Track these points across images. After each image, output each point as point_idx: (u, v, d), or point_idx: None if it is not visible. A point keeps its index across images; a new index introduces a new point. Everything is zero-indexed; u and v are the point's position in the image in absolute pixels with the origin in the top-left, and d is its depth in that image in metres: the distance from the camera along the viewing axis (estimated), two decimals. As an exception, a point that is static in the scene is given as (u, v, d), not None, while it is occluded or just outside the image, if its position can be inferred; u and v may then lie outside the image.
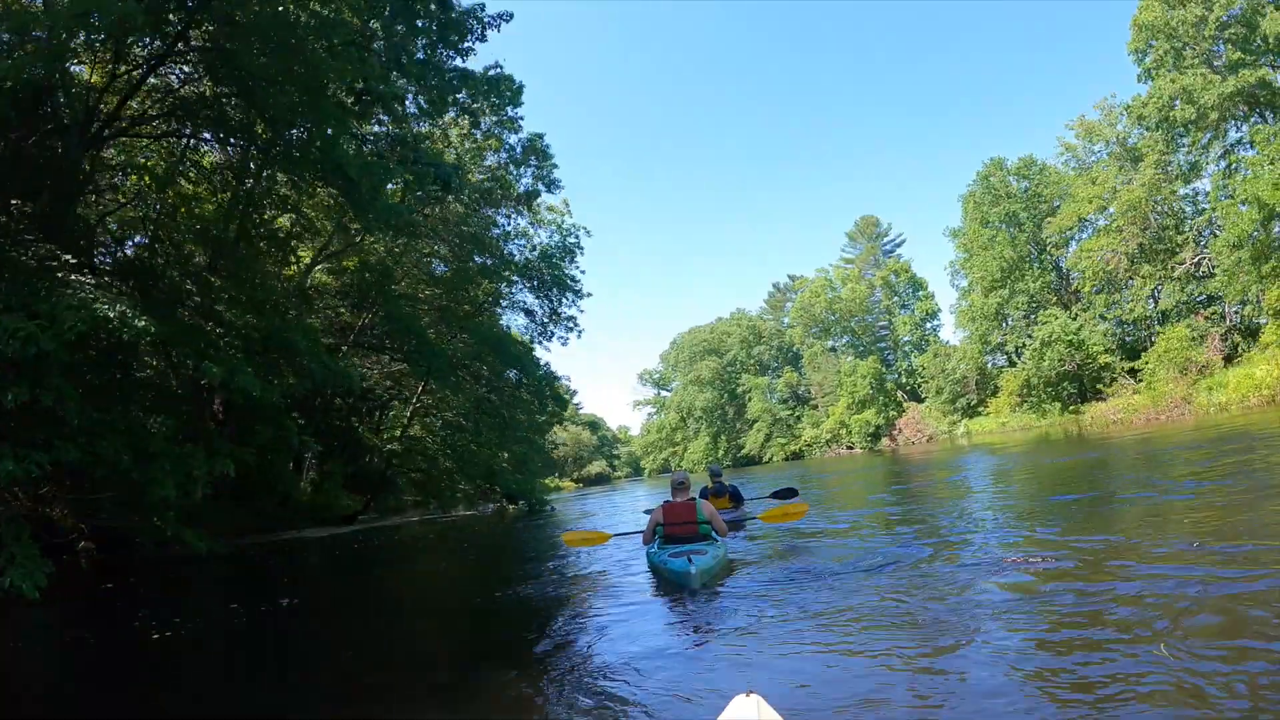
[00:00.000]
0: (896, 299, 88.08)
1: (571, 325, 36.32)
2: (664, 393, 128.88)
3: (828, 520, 11.89)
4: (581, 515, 25.71)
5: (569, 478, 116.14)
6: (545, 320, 35.97)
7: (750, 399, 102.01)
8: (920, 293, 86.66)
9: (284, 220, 24.47)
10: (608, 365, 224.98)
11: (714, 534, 8.27)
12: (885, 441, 74.60)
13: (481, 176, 30.04)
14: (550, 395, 33.14)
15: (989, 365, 68.49)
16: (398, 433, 32.79)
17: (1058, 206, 58.48)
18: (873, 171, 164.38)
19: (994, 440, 44.39)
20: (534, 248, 34.81)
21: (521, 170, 31.30)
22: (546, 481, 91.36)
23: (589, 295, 36.69)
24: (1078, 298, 57.31)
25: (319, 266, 27.31)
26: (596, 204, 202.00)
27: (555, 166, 31.86)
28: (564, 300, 35.44)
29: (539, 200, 34.15)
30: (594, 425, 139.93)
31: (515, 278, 33.44)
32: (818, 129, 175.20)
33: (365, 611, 9.03)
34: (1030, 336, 54.98)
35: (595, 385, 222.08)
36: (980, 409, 66.87)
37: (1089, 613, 4.45)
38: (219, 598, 11.54)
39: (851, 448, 77.90)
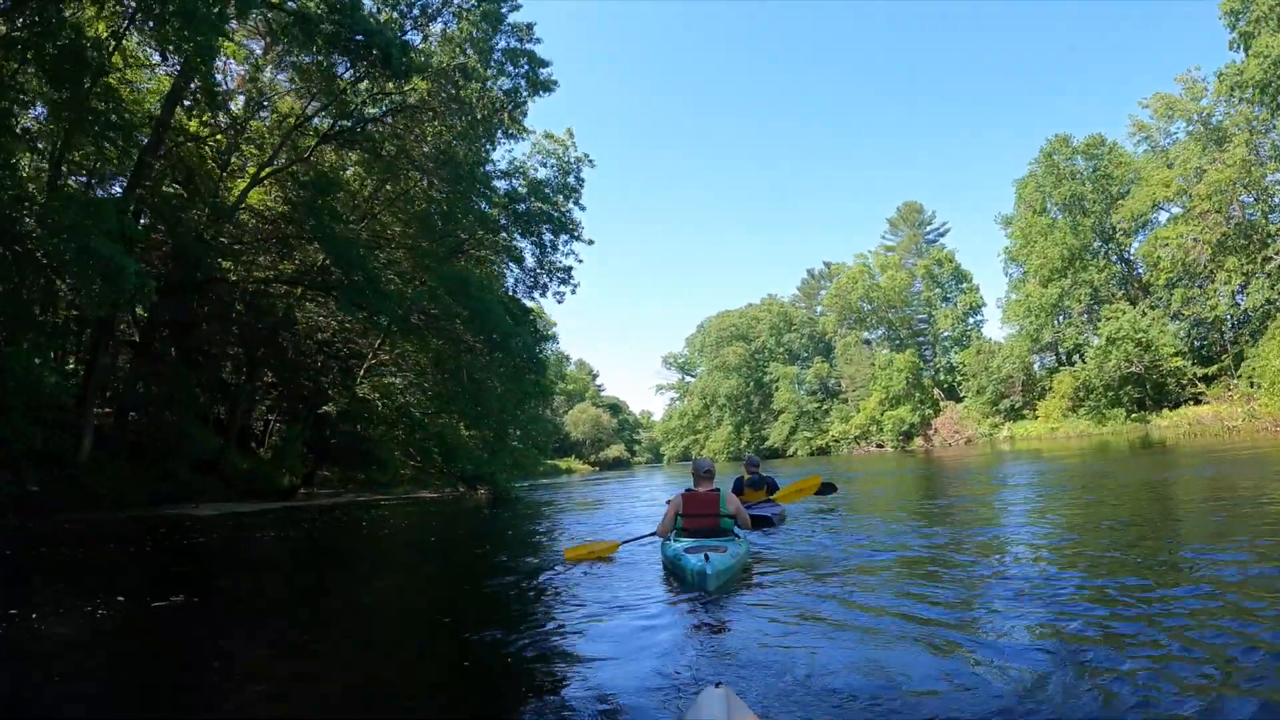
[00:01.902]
0: (938, 290, 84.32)
1: (566, 277, 31.50)
2: (688, 378, 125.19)
3: (855, 524, 10.94)
4: (577, 506, 21.59)
5: (585, 460, 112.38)
6: (536, 269, 31.20)
7: (777, 388, 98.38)
8: (964, 285, 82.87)
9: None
10: (633, 347, 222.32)
11: (736, 529, 7.87)
12: (918, 441, 71.35)
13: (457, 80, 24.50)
14: (527, 358, 26.69)
15: (1035, 366, 64.43)
16: (335, 394, 27.47)
17: (1127, 191, 53.03)
18: (917, 157, 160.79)
19: (1042, 447, 41.14)
20: (519, 170, 30.11)
21: (504, 69, 25.75)
22: (558, 463, 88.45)
23: (590, 242, 32.00)
24: (1146, 292, 52.13)
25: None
26: (629, 182, 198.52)
27: (547, 65, 26.13)
28: (559, 245, 30.64)
29: (534, 129, 29.28)
30: (615, 408, 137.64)
31: (498, 215, 28.59)
32: (861, 110, 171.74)
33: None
34: (1092, 334, 49.70)
35: (619, 368, 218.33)
36: (1025, 412, 62.77)
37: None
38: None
39: (882, 446, 74.60)
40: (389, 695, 4.33)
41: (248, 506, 20.70)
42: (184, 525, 15.53)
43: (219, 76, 22.20)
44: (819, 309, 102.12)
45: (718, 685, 2.63)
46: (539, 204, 29.02)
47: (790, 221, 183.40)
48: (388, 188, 26.49)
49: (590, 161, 30.83)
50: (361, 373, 26.76)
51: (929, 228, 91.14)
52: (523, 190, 29.21)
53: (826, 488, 12.93)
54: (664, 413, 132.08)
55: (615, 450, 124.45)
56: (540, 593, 6.99)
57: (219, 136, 22.62)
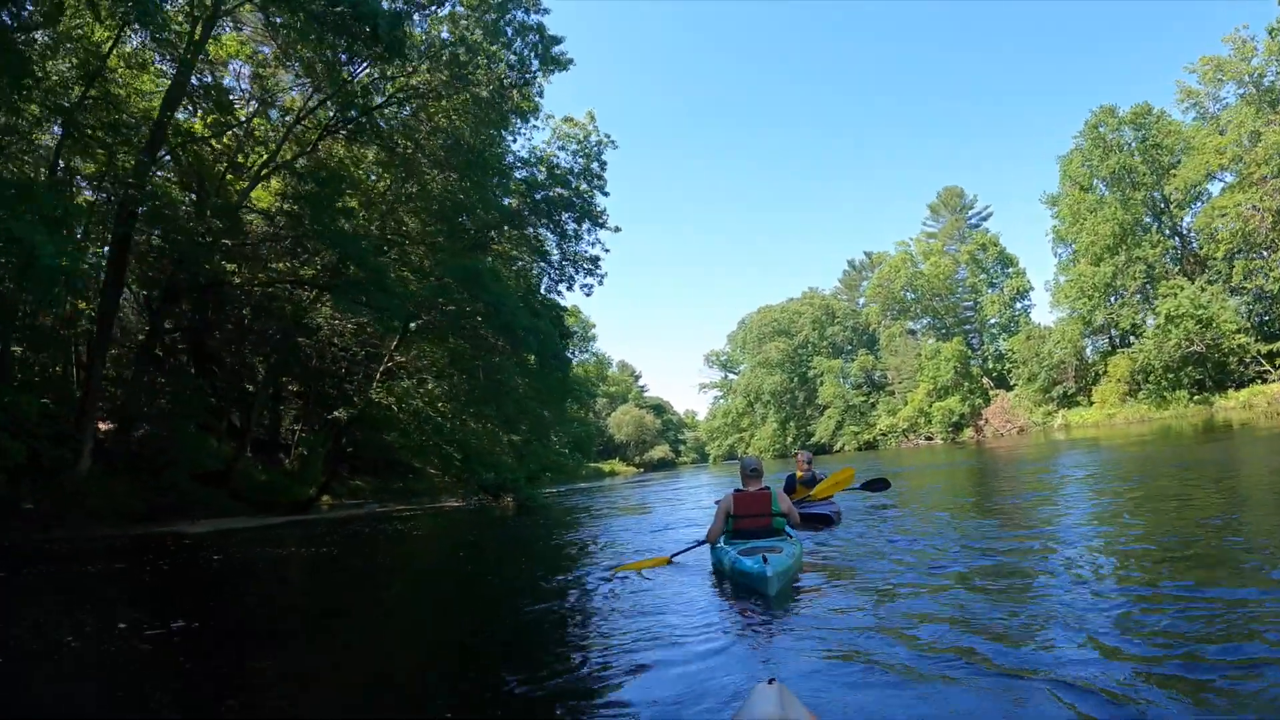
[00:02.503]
0: (984, 276, 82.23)
1: (592, 268, 29.90)
2: (731, 376, 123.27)
3: (910, 523, 10.35)
4: (616, 512, 20.13)
5: (630, 462, 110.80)
6: (560, 260, 29.64)
7: (822, 383, 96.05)
8: (1010, 269, 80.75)
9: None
10: (675, 348, 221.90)
11: (788, 529, 7.62)
12: (969, 432, 69.51)
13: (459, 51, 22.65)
14: (547, 354, 24.53)
15: (1088, 350, 62.64)
16: (356, 399, 25.91)
17: (1178, 162, 50.73)
18: (956, 141, 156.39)
19: (1099, 434, 39.66)
20: (540, 160, 28.27)
21: (511, 44, 23.63)
22: (601, 465, 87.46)
23: (616, 229, 30.09)
24: (1204, 267, 49.76)
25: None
26: (665, 182, 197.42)
27: (558, 41, 24.05)
28: (582, 234, 29.04)
29: (553, 113, 27.73)
30: (658, 409, 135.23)
31: (518, 205, 27.03)
32: (896, 95, 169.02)
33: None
34: (1149, 313, 47.43)
35: (662, 369, 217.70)
36: (1079, 398, 60.86)
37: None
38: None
39: (931, 438, 72.91)
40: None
41: (253, 521, 19.53)
42: (160, 545, 14.41)
43: (226, 79, 21.72)
44: (861, 300, 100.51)
45: (771, 681, 2.62)
46: (559, 189, 27.44)
47: (829, 213, 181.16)
48: (406, 185, 25.21)
49: (612, 143, 29.00)
50: (378, 376, 25.21)
51: (971, 212, 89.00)
52: (541, 176, 27.62)
53: (878, 484, 13.01)
54: (708, 412, 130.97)
55: (660, 451, 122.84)
56: (584, 602, 6.88)
57: (224, 139, 21.77)
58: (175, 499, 18.93)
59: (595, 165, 28.62)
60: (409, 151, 23.47)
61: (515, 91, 23.83)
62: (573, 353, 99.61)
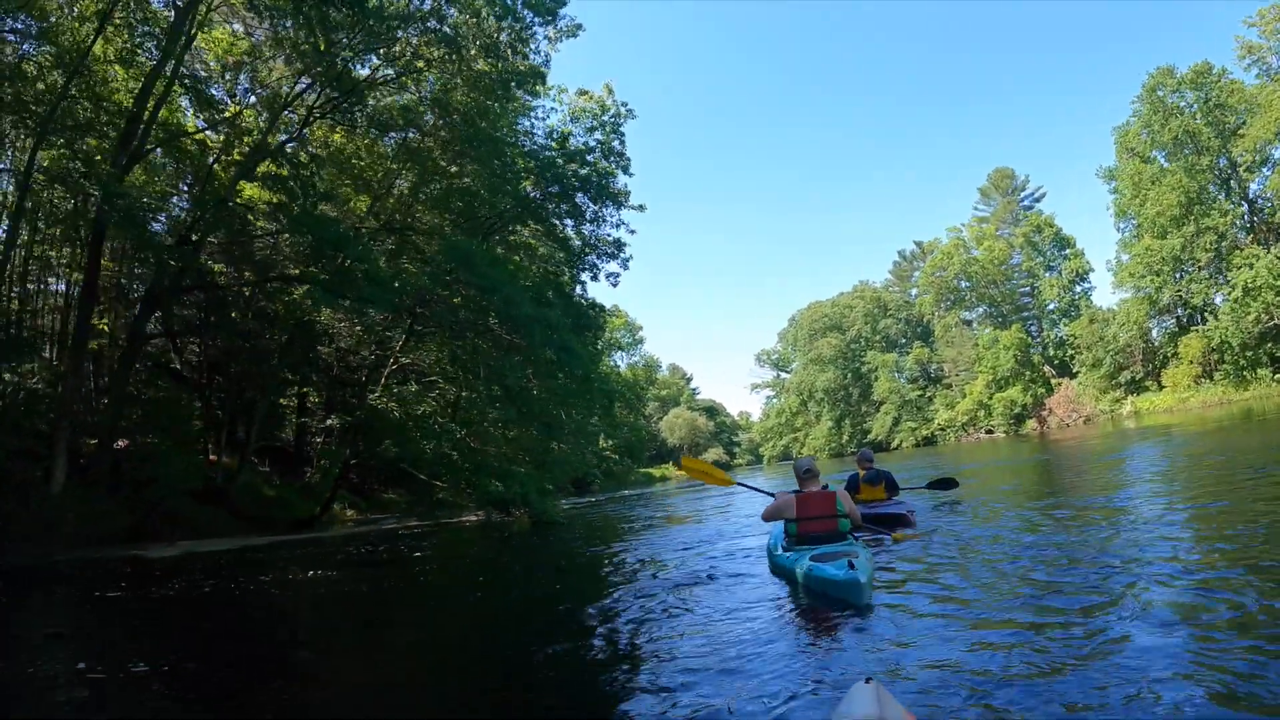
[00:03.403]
0: (1040, 259, 79.27)
1: (616, 252, 27.65)
2: (783, 374, 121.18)
3: (981, 525, 9.58)
4: (654, 526, 17.91)
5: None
6: (581, 247, 27.41)
7: (876, 378, 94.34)
8: (1068, 251, 77.83)
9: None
10: (728, 349, 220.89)
11: (853, 533, 7.43)
12: (1031, 424, 66.74)
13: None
14: (556, 346, 20.57)
15: (1154, 332, 60.27)
16: (357, 406, 23.73)
17: (1243, 123, 47.45)
18: (1002, 122, 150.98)
19: (1172, 420, 37.17)
20: (553, 137, 25.98)
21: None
22: (652, 470, 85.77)
23: (641, 208, 27.77)
24: (1278, 235, 46.19)
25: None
26: (708, 183, 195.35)
27: (561, 3, 21.80)
28: (602, 215, 26.72)
29: (565, 87, 25.63)
30: (711, 411, 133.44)
31: (528, 188, 24.62)
32: (938, 79, 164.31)
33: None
34: (1223, 286, 44.33)
35: (715, 371, 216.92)
36: (1148, 383, 58.77)
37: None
38: None
39: (991, 431, 70.49)
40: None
41: (243, 541, 17.93)
42: (107, 571, 12.86)
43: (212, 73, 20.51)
44: (913, 291, 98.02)
45: (868, 680, 2.62)
46: (574, 166, 25.11)
47: (877, 204, 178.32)
48: (409, 171, 23.54)
49: (631, 113, 26.55)
50: (383, 380, 23.29)
51: (1023, 194, 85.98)
52: (554, 154, 25.21)
53: (946, 483, 13.11)
54: (761, 412, 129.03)
55: (713, 454, 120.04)
56: (644, 615, 6.43)
57: (212, 134, 20.78)
58: (161, 518, 17.66)
59: (615, 141, 26.31)
60: (415, 139, 21.99)
61: (511, 51, 21.49)
62: (620, 355, 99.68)
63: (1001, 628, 4.53)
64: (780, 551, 7.36)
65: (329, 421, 24.74)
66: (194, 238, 18.77)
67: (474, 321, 20.64)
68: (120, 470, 18.08)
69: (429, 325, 21.63)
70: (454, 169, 22.86)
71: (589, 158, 25.57)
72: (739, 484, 9.38)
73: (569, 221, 26.72)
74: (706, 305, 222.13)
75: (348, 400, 25.17)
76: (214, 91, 20.48)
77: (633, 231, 28.88)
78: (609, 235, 27.52)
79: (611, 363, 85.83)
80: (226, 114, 20.47)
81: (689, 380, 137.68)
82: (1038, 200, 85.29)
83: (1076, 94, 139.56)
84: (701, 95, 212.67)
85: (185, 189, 21.78)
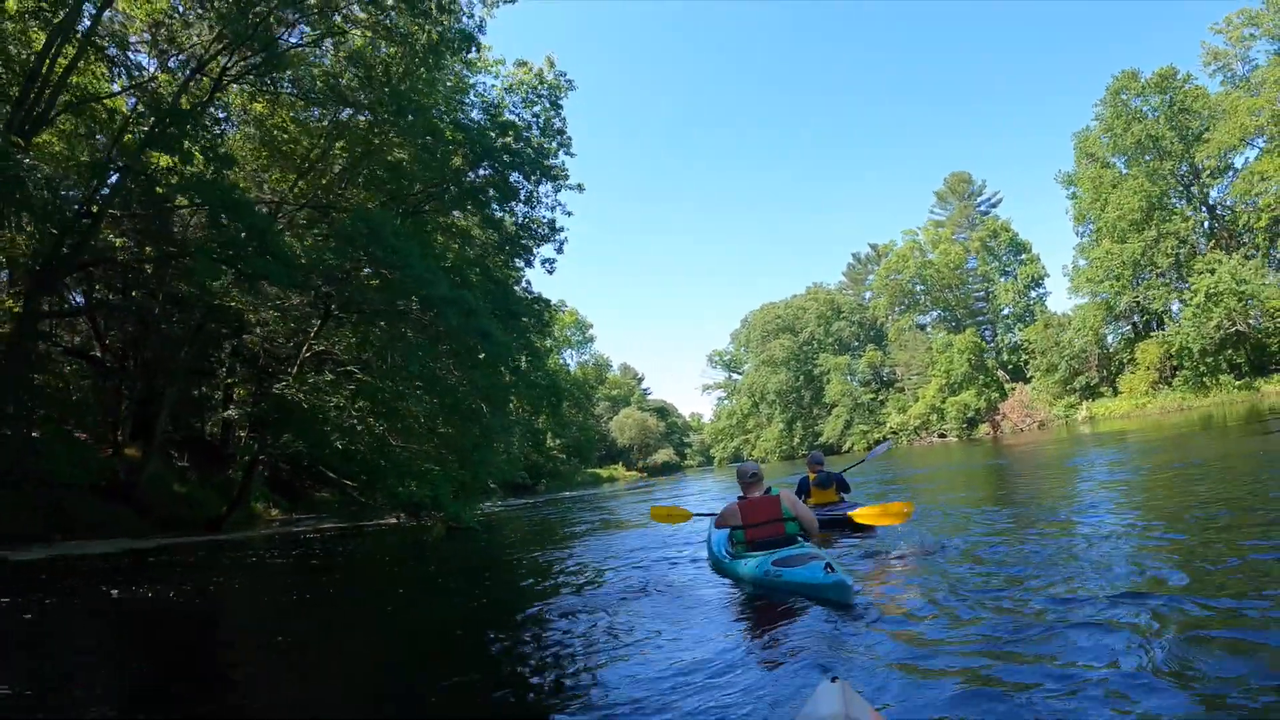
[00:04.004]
0: (996, 264, 79.20)
1: (550, 234, 25.90)
2: (735, 376, 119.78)
3: (937, 522, 9.91)
4: (589, 529, 17.38)
5: (634, 466, 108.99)
6: (513, 228, 25.44)
7: (828, 381, 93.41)
8: (1024, 256, 77.61)
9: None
10: (680, 350, 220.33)
11: (801, 535, 7.30)
12: (985, 428, 66.77)
13: None
14: (473, 331, 18.48)
15: (1108, 338, 60.23)
16: (262, 397, 21.30)
17: (1205, 130, 47.37)
18: (959, 125, 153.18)
19: (1128, 426, 37.02)
20: (482, 104, 24.07)
21: None
22: (600, 470, 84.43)
23: (579, 188, 26.09)
24: (1239, 241, 46.25)
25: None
26: (661, 182, 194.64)
27: None
28: (537, 195, 24.83)
29: (501, 58, 23.96)
30: (662, 411, 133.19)
31: (460, 165, 22.46)
32: (895, 80, 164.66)
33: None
34: (1181, 293, 44.06)
35: (666, 371, 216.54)
36: (1103, 389, 58.56)
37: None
38: None
39: (944, 435, 70.41)
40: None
41: (128, 544, 16.04)
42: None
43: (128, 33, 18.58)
44: (867, 294, 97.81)
45: (834, 679, 2.62)
46: (505, 139, 22.94)
47: (831, 206, 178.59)
48: (336, 156, 21.69)
49: (570, 84, 24.93)
50: (295, 369, 20.36)
51: (980, 199, 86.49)
52: (482, 121, 23.24)
53: (876, 446, 12.38)
54: (712, 413, 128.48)
55: (664, 455, 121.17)
56: (588, 625, 6.15)
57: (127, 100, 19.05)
58: (47, 515, 15.95)
59: (555, 118, 24.49)
60: (338, 107, 20.21)
61: (437, 8, 19.49)
62: (570, 353, 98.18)
63: (964, 626, 4.56)
64: (727, 558, 7.36)
65: (229, 413, 22.59)
66: (93, 209, 16.94)
67: (389, 302, 18.65)
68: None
69: (347, 308, 19.60)
70: (376, 140, 21.10)
71: (525, 133, 23.78)
72: (695, 515, 9.75)
73: (499, 202, 24.68)
74: (659, 306, 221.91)
75: (266, 391, 23.14)
76: (136, 56, 18.98)
77: (569, 213, 27.07)
78: (545, 217, 25.85)
79: (561, 360, 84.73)
80: (141, 80, 18.60)
81: (640, 380, 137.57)
82: (994, 205, 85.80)
83: (1034, 99, 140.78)
84: (652, 94, 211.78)
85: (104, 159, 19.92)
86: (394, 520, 21.91)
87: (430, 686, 5.00)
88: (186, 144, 16.27)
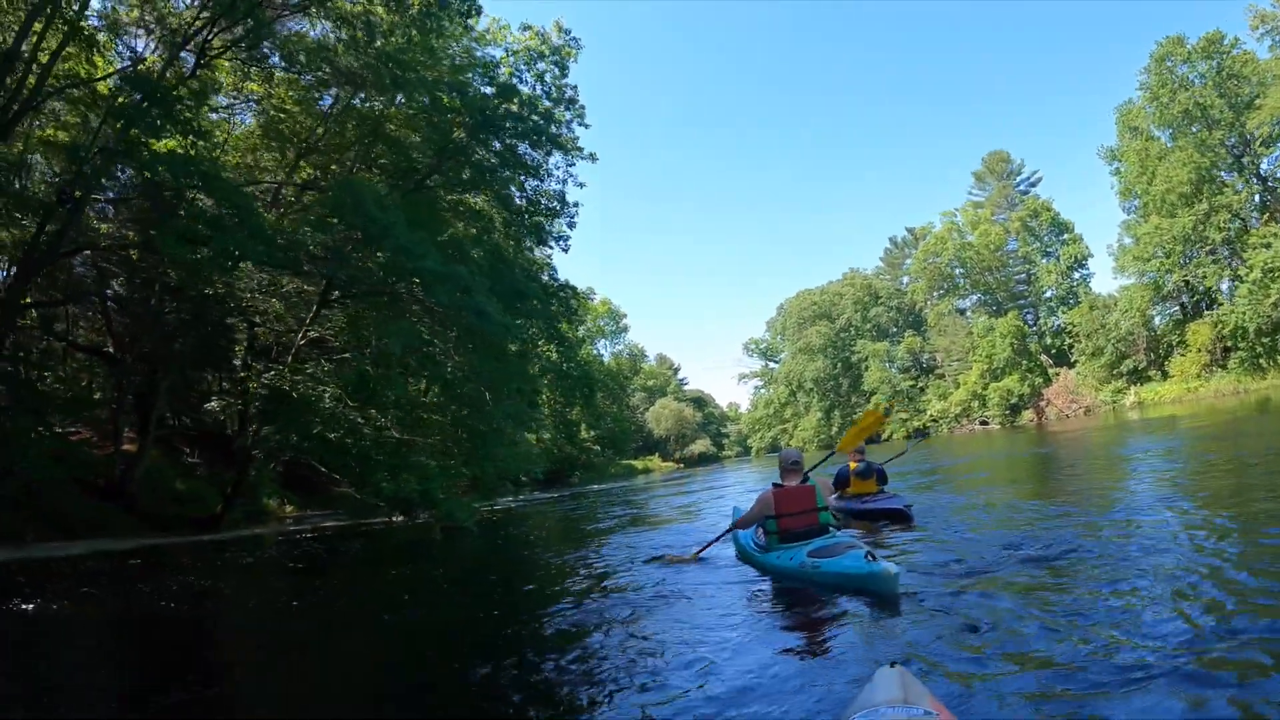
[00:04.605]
0: (1037, 244, 77.08)
1: (560, 208, 24.75)
2: (771, 364, 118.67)
3: (979, 512, 9.80)
4: (612, 525, 16.49)
5: (670, 457, 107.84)
6: (522, 203, 24.16)
7: (867, 368, 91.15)
8: (1066, 236, 75.54)
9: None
10: (716, 339, 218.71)
11: (833, 525, 7.24)
12: (1028, 415, 65.47)
13: None
14: (468, 308, 16.63)
15: (1156, 320, 58.59)
16: (249, 386, 19.84)
17: (1256, 97, 45.59)
18: (996, 104, 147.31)
19: (1179, 411, 35.93)
20: (480, 66, 22.57)
21: None
22: (635, 462, 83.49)
23: (592, 158, 24.76)
24: (1294, 214, 44.34)
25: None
26: (696, 171, 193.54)
27: None
28: (545, 168, 23.60)
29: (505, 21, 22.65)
30: (699, 401, 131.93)
31: (459, 133, 20.98)
32: (932, 58, 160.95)
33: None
34: (1239, 266, 42.41)
35: (703, 361, 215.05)
36: (1151, 373, 56.90)
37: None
38: None
39: (986, 423, 69.35)
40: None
41: (107, 544, 15.23)
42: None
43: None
44: (905, 279, 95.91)
45: (892, 664, 2.66)
46: (509, 106, 21.52)
47: (867, 190, 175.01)
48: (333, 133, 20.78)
49: (577, 42, 23.48)
50: (290, 357, 19.31)
51: (1019, 178, 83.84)
52: (481, 89, 21.70)
53: (918, 435, 13.59)
54: (749, 402, 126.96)
55: (701, 445, 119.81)
56: (628, 619, 6.01)
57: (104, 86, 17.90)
58: (27, 514, 15.29)
59: (567, 88, 23.29)
60: (332, 81, 19.21)
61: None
62: (603, 343, 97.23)
63: (1017, 616, 4.49)
64: (757, 550, 7.32)
65: (211, 404, 21.60)
66: (76, 194, 15.97)
67: (380, 279, 17.48)
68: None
69: (345, 289, 18.45)
70: (376, 112, 20.22)
71: (532, 99, 22.57)
72: (699, 554, 8.42)
73: (506, 172, 23.18)
74: (696, 296, 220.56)
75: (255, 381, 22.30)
76: (135, 40, 18.45)
77: (581, 185, 25.76)
78: (555, 189, 24.74)
79: (594, 351, 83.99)
80: (128, 64, 17.94)
81: (676, 371, 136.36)
82: (1034, 185, 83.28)
83: (1072, 73, 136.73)
84: (685, 89, 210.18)
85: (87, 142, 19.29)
86: (401, 518, 20.60)
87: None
88: (162, 121, 15.46)
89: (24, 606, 8.94)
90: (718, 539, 8.48)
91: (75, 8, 15.80)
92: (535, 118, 21.75)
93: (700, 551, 8.45)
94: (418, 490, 16.73)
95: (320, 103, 20.73)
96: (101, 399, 21.28)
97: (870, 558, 5.67)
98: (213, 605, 9.34)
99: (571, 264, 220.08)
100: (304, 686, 5.41)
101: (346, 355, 18.86)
